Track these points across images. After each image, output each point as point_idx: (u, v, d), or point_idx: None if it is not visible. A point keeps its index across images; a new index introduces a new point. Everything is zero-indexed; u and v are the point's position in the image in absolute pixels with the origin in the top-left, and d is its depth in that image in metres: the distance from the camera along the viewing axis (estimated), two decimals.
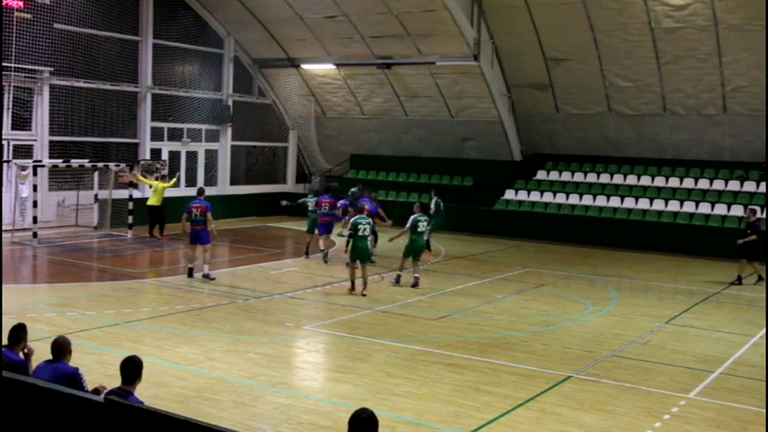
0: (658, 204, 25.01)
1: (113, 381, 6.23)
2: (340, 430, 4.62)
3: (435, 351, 11.52)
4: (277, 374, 10.23)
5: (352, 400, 8.93)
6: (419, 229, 16.64)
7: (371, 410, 4.61)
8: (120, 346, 10.91)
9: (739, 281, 18.29)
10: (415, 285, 16.42)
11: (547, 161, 28.37)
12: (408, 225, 16.60)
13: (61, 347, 6.71)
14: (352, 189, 24.05)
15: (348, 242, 15.46)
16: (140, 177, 24.20)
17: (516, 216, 26.24)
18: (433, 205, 22.11)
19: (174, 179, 24.59)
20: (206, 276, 16.39)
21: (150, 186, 23.38)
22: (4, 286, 14.81)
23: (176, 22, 27.34)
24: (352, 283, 15.67)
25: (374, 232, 18.82)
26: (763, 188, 23.99)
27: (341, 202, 20.98)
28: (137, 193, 23.90)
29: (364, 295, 15.25)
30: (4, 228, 20.84)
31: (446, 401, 9.31)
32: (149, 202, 22.93)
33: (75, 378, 6.47)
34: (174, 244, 21.65)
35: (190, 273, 16.69)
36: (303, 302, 15.00)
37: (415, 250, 16.67)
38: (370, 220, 16.19)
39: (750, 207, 20.07)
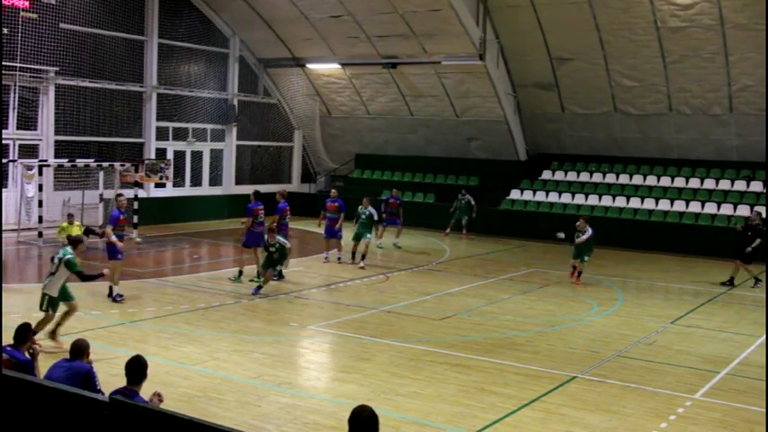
0: (664, 204, 24.94)
1: (119, 380, 6.23)
2: (344, 430, 4.59)
3: (440, 351, 11.50)
4: (282, 374, 10.22)
5: (357, 400, 8.85)
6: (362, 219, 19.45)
7: (371, 408, 4.54)
8: (125, 346, 10.91)
9: (731, 282, 18.07)
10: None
11: (552, 161, 28.32)
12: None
13: (80, 348, 6.91)
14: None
15: None
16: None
17: (522, 216, 26.20)
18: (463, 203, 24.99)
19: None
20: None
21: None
22: (10, 286, 14.91)
23: (182, 22, 27.37)
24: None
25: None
26: None
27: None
28: (142, 193, 23.88)
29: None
30: (10, 227, 20.88)
31: (451, 402, 9.29)
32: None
33: (88, 376, 6.64)
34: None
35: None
36: (308, 302, 14.99)
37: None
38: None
39: (756, 210, 20.01)
